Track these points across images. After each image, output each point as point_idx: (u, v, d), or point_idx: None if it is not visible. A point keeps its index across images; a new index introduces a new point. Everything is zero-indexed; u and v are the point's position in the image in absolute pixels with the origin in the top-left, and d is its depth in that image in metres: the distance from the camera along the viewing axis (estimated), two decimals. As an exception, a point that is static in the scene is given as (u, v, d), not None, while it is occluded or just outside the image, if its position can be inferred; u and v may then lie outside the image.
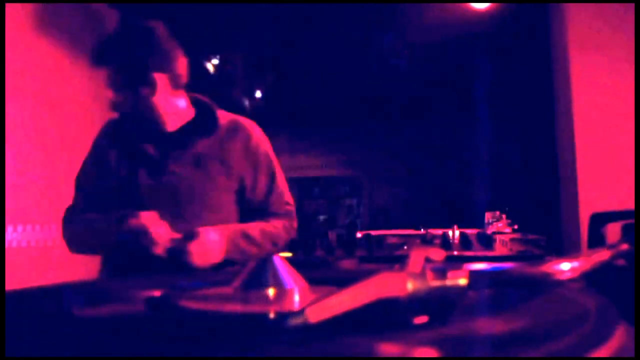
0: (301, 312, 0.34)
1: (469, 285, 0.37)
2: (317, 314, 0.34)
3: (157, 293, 0.52)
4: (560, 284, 0.44)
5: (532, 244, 2.72)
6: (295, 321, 0.33)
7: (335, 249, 1.33)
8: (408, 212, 6.54)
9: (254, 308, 0.42)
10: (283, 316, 0.34)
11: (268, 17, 3.37)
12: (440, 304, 0.37)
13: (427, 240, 1.42)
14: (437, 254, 0.37)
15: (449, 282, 0.36)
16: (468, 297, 0.41)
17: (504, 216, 3.28)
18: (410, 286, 0.36)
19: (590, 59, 3.01)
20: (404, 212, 6.61)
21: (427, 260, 0.37)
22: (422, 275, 0.36)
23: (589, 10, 3.02)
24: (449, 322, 0.37)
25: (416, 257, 0.37)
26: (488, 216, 3.38)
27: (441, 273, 0.37)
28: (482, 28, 3.70)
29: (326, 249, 1.32)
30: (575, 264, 0.43)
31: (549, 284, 0.41)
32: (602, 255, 0.47)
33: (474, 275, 0.37)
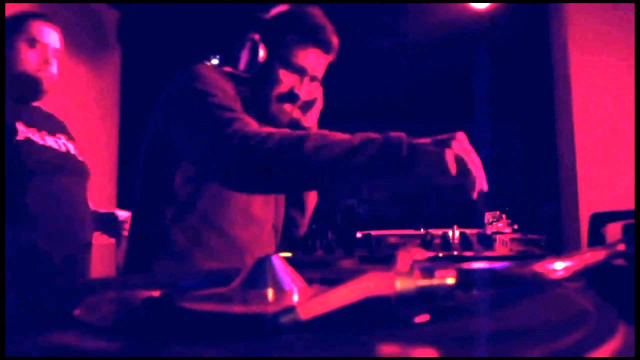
0: (292, 309, 0.34)
1: (457, 285, 0.37)
2: (307, 311, 0.34)
3: (156, 293, 0.52)
4: (554, 283, 0.44)
5: (532, 244, 2.73)
6: (286, 318, 0.34)
7: (335, 249, 1.34)
8: (408, 212, 6.53)
9: (253, 309, 0.42)
10: (276, 315, 0.34)
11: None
12: (437, 303, 0.37)
13: (427, 240, 1.42)
14: (420, 254, 0.38)
15: (436, 281, 0.37)
16: (466, 296, 0.41)
17: (504, 216, 3.29)
18: (398, 285, 0.36)
19: (590, 59, 3.02)
20: (404, 212, 6.60)
21: (416, 260, 0.37)
22: (410, 274, 0.37)
23: (589, 10, 3.03)
24: (446, 321, 0.37)
25: (404, 257, 0.37)
26: (488, 216, 3.39)
27: (429, 272, 0.37)
28: (482, 28, 3.70)
29: (326, 249, 1.33)
30: (568, 263, 0.43)
31: (541, 283, 0.42)
32: (597, 255, 0.47)
33: (462, 274, 0.37)
